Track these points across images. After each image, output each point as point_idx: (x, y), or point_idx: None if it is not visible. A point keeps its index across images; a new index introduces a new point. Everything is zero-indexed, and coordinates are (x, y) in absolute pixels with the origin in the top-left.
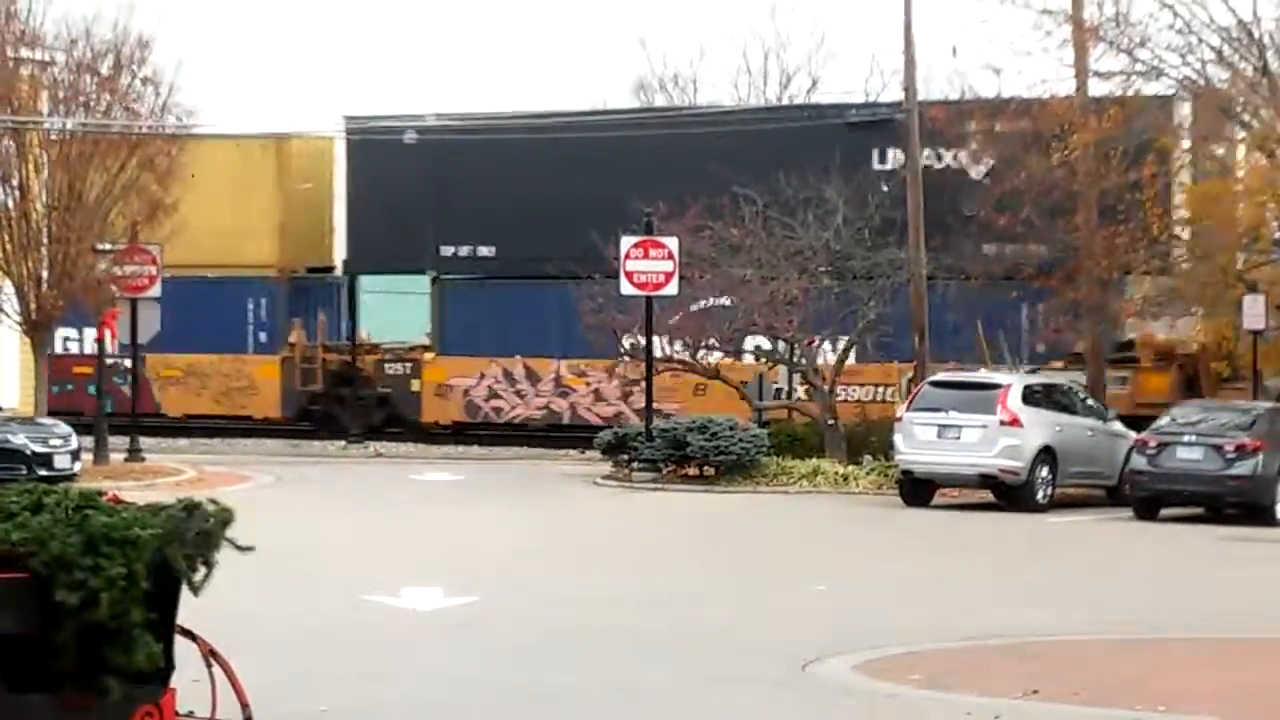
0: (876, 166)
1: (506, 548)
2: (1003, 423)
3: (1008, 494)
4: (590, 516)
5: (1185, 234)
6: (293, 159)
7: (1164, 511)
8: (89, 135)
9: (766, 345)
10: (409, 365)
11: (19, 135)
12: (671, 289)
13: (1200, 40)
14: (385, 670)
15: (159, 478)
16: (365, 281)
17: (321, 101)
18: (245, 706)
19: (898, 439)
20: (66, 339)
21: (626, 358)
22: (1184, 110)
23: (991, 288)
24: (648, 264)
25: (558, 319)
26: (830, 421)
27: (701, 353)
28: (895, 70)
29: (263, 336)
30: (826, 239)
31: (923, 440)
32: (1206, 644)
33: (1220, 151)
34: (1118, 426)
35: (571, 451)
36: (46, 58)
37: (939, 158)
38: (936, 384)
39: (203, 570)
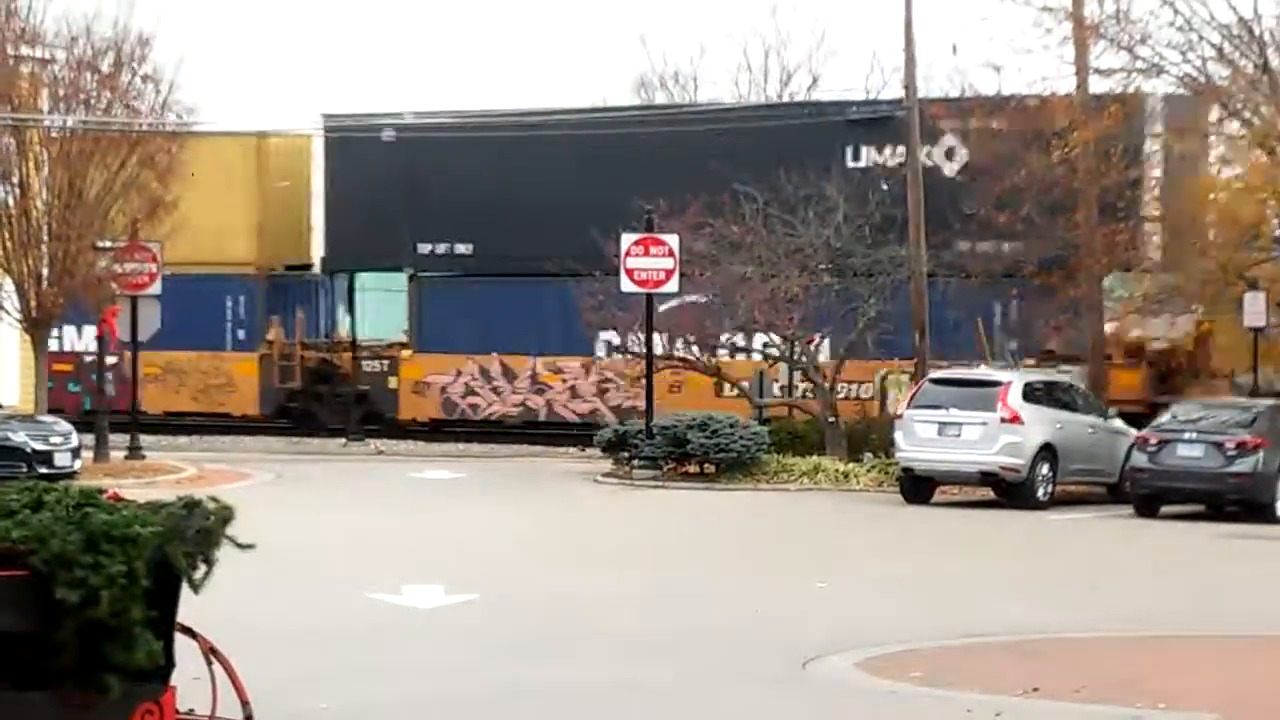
0: (850, 164)
1: (507, 545)
2: (1003, 420)
3: (1008, 491)
4: (591, 514)
5: (1157, 234)
6: (271, 157)
7: (1165, 509)
8: (89, 133)
9: (752, 345)
10: (387, 362)
11: (19, 133)
12: (672, 286)
13: (1201, 37)
14: (386, 667)
15: (159, 475)
16: (343, 279)
17: (301, 99)
18: (246, 704)
19: (898, 436)
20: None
21: (624, 356)
22: (1156, 104)
23: (978, 286)
24: (648, 261)
25: (535, 316)
26: (831, 419)
27: (685, 348)
28: (896, 68)
29: (241, 334)
30: (827, 236)
31: (923, 438)
32: (1207, 641)
33: (1193, 147)
34: (1118, 424)
35: (572, 449)
36: (47, 55)
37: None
38: (937, 381)
39: (203, 568)
